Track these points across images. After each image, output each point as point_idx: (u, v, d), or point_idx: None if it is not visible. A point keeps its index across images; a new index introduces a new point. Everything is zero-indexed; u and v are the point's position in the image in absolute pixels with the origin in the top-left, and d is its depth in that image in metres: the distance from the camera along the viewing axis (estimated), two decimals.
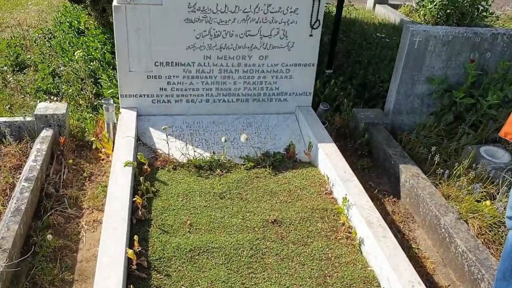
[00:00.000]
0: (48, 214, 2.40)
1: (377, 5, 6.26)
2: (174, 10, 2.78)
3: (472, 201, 2.52)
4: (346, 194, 2.34)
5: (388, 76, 3.86)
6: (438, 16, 5.40)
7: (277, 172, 2.70)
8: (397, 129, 3.26)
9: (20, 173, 2.61)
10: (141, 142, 2.84)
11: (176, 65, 2.96)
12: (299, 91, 3.22)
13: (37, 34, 4.42)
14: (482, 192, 2.58)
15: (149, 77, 2.96)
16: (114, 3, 2.73)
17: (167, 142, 2.76)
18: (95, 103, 3.40)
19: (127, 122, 2.87)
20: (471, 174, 2.68)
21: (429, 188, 2.58)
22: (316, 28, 2.99)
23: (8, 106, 3.32)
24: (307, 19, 2.97)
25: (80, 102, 3.40)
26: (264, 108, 3.22)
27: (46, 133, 2.85)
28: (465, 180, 2.65)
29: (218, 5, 2.82)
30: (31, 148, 2.82)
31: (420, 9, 5.71)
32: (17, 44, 4.20)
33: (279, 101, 3.22)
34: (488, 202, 2.49)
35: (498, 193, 2.59)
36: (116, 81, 3.23)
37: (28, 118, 2.90)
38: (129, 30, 2.79)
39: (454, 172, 2.71)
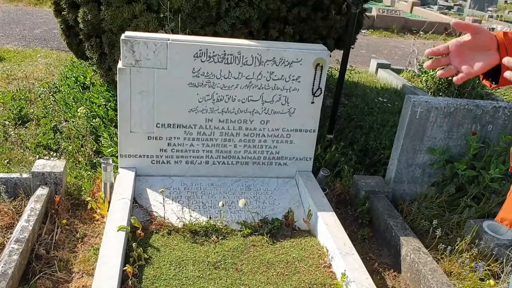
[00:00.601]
0: (36, 277, 2.32)
1: (379, 69, 6.37)
2: (178, 75, 2.81)
3: (476, 280, 2.43)
4: (345, 270, 2.26)
5: (389, 142, 3.86)
6: (440, 83, 5.47)
7: (275, 241, 2.63)
8: (398, 198, 3.21)
9: (11, 233, 2.54)
10: (137, 204, 2.79)
11: (177, 127, 2.96)
12: (300, 156, 3.20)
13: (42, 88, 4.47)
14: (485, 270, 2.50)
15: (149, 138, 2.95)
16: (119, 65, 2.77)
17: (163, 205, 2.71)
18: (94, 160, 3.39)
19: (124, 182, 2.83)
20: (474, 251, 2.60)
21: (431, 263, 2.49)
22: (318, 96, 3.01)
23: (7, 160, 3.30)
24: (309, 86, 2.99)
25: (80, 159, 3.38)
26: (264, 172, 3.19)
27: (42, 192, 2.81)
28: (468, 256, 2.57)
29: (222, 71, 2.85)
30: (25, 206, 2.77)
31: (422, 75, 5.80)
32: (22, 97, 4.24)
33: (279, 165, 3.20)
34: (492, 282, 2.40)
35: (502, 272, 2.50)
36: (117, 139, 3.22)
37: (24, 175, 2.87)
38: (133, 92, 2.81)
39: (457, 247, 2.63)
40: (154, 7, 3.27)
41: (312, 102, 3.04)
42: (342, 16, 3.66)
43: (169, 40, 2.75)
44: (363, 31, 10.05)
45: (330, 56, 4.24)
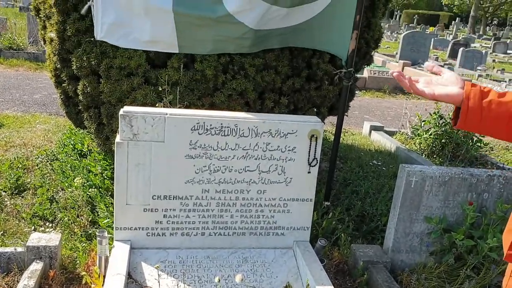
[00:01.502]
0: None
1: (373, 131, 6.46)
2: (175, 147, 2.85)
3: None
4: None
5: (385, 208, 3.86)
6: (434, 145, 5.55)
7: None
8: (397, 268, 3.17)
9: None
10: (132, 279, 2.74)
11: (173, 199, 2.96)
12: (297, 225, 3.18)
13: (40, 156, 4.50)
14: None
15: (145, 210, 2.94)
16: (117, 139, 2.81)
17: (158, 281, 2.67)
18: (90, 231, 3.36)
19: (119, 257, 2.79)
20: None
21: None
22: (314, 166, 3.05)
23: (1, 232, 3.27)
24: (304, 156, 3.03)
25: (75, 230, 3.35)
26: (261, 242, 3.16)
27: (36, 266, 2.76)
28: None
29: (219, 143, 2.89)
30: (18, 281, 2.72)
31: (416, 138, 5.88)
32: (20, 165, 4.26)
33: (276, 235, 3.17)
34: None
35: None
36: (113, 209, 3.21)
37: (19, 249, 2.84)
38: (130, 165, 2.84)
39: None
40: (152, 80, 3.37)
41: (309, 172, 3.07)
42: (335, 86, 3.77)
43: (167, 114, 2.81)
44: (355, 92, 10.28)
45: (324, 123, 4.31)
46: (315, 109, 3.96)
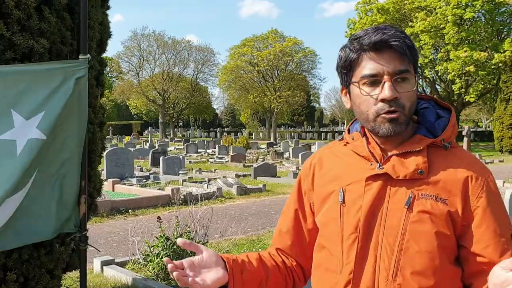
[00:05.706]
0: None
1: (104, 267, 6.30)
2: None
3: None
4: None
5: None
6: (167, 268, 5.79)
7: None
8: None
9: None
10: None
11: None
12: None
13: None
14: None
15: None
16: None
17: None
18: None
19: None
20: None
21: None
22: None
23: None
24: None
25: None
26: None
27: None
28: None
29: None
30: None
31: (149, 264, 6.02)
32: None
33: None
34: None
35: None
36: None
37: None
38: None
39: None
40: None
41: None
42: (67, 246, 3.62)
43: None
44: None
45: (62, 284, 4.05)
46: (48, 275, 3.68)
